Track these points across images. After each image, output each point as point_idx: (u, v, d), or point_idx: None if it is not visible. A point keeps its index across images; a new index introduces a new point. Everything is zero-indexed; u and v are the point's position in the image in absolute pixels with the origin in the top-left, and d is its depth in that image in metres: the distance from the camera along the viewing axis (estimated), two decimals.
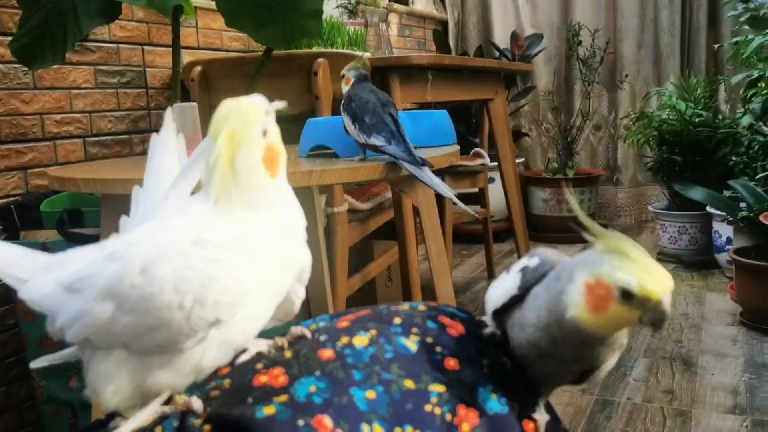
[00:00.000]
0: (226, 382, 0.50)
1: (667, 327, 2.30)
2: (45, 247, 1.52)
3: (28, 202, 1.62)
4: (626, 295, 0.52)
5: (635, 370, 1.97)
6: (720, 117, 3.23)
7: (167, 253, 0.54)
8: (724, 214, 2.64)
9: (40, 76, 1.78)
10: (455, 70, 2.28)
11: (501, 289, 0.61)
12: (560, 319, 0.54)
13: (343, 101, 1.20)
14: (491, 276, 2.98)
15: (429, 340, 0.55)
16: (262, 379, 0.49)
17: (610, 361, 0.61)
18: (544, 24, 3.99)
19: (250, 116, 0.57)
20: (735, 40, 2.48)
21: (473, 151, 2.85)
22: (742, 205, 2.49)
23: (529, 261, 0.60)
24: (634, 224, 3.81)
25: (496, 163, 2.80)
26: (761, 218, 2.13)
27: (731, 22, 3.15)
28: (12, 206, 1.60)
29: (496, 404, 0.51)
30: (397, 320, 0.57)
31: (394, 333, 0.55)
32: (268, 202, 0.57)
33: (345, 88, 1.23)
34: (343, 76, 1.25)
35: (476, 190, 2.89)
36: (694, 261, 3.00)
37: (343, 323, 0.56)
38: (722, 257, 2.82)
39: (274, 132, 0.60)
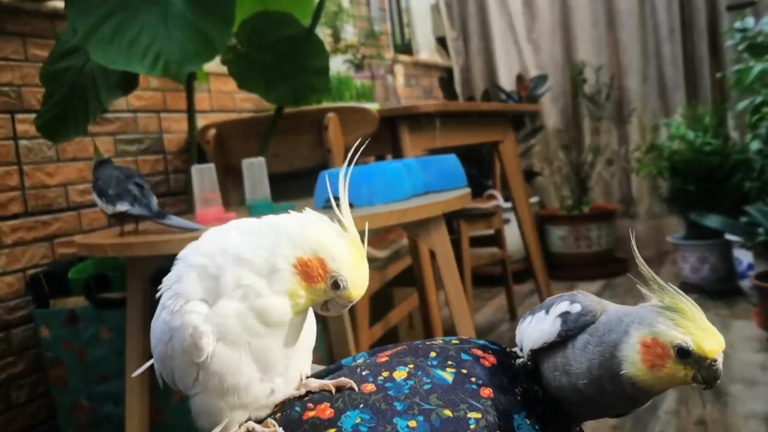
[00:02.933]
0: (277, 416, 0.53)
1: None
2: (74, 313, 1.56)
3: (55, 270, 1.67)
4: (682, 354, 0.53)
5: (665, 403, 1.95)
6: (730, 144, 3.25)
7: (159, 309, 0.60)
8: (742, 240, 2.64)
9: (62, 149, 1.85)
10: (463, 115, 2.33)
11: (539, 330, 0.62)
12: (614, 375, 0.56)
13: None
14: (513, 317, 2.97)
15: (464, 371, 0.58)
16: (310, 414, 0.53)
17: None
18: (547, 64, 4.06)
19: None
20: (737, 68, 2.52)
21: (486, 193, 2.88)
22: (760, 230, 2.49)
23: (571, 307, 0.61)
24: (654, 256, 3.80)
25: (510, 204, 2.83)
26: None
27: (732, 51, 3.19)
28: (41, 275, 1.64)
29: (530, 430, 0.54)
30: (433, 354, 0.60)
31: (431, 366, 0.58)
32: None
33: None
34: None
35: (492, 231, 2.91)
36: (718, 289, 2.98)
37: (382, 359, 0.60)
38: (745, 284, 2.80)
39: None
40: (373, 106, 2.28)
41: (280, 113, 1.74)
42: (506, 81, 4.06)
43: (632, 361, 0.55)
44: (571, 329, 0.59)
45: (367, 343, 1.85)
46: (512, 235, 3.19)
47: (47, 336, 1.58)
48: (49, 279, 1.62)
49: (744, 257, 2.77)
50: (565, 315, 0.60)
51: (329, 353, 1.70)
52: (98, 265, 1.66)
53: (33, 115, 1.71)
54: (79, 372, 1.57)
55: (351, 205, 1.27)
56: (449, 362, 0.58)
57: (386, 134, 1.94)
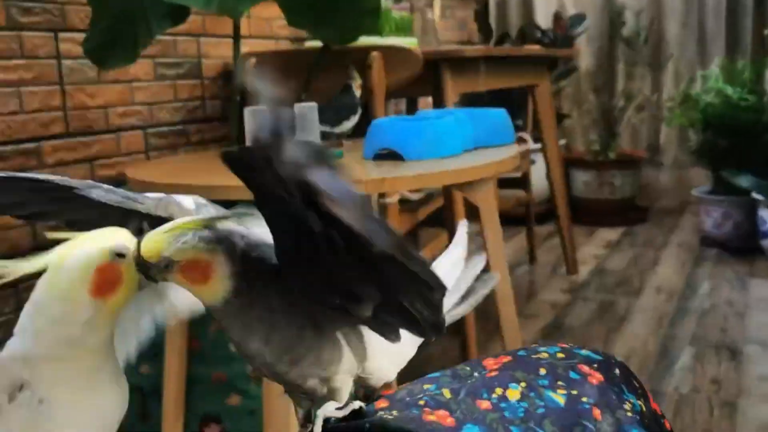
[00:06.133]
0: (394, 412, 0.54)
1: (711, 314, 2.32)
2: None
3: None
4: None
5: (681, 359, 2.00)
6: (766, 101, 3.19)
7: None
8: None
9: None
10: (503, 59, 2.29)
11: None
12: None
13: None
14: (533, 260, 3.01)
15: (574, 392, 0.59)
16: (431, 417, 0.54)
17: None
18: (586, 4, 3.95)
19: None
20: None
21: (517, 135, 2.86)
22: None
23: None
24: (676, 207, 3.80)
25: (539, 145, 2.82)
26: None
27: None
28: None
29: None
30: (543, 371, 0.60)
31: (542, 386, 0.59)
32: None
33: None
34: None
35: (519, 174, 2.91)
36: (739, 247, 2.99)
37: (492, 372, 0.60)
38: (767, 243, 2.81)
39: None
40: (412, 42, 2.24)
41: (326, 51, 1.72)
42: (543, 18, 3.95)
43: None
44: None
45: None
46: (536, 176, 3.18)
47: None
48: None
49: None
50: None
51: None
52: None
53: (76, 35, 1.69)
54: None
55: (401, 158, 1.28)
56: (559, 382, 0.59)
57: (425, 75, 1.91)
